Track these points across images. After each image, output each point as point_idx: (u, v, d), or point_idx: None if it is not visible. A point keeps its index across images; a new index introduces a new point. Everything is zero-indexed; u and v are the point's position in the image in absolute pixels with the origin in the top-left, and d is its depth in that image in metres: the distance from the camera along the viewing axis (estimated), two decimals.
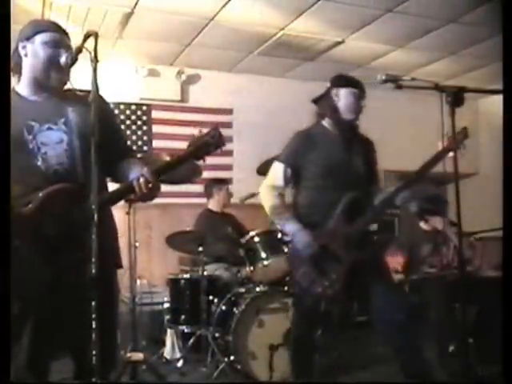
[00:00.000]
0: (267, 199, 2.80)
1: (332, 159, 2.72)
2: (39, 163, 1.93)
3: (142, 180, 1.89)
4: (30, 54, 1.99)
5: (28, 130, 1.95)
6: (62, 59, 1.93)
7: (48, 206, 1.86)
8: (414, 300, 4.14)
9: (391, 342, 2.69)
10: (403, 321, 2.65)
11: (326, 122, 2.82)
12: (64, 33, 2.04)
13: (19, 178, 1.87)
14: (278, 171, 2.80)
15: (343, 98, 2.76)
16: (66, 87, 2.05)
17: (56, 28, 2.03)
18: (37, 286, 1.85)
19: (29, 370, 1.89)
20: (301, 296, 2.79)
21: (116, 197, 1.98)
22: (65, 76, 2.00)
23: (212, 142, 1.93)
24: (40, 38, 1.98)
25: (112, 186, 2.08)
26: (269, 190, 2.80)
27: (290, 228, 2.72)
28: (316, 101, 2.90)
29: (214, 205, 4.69)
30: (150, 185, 1.90)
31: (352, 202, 2.66)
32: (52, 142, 1.96)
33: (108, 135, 1.88)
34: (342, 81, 2.81)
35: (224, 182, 4.75)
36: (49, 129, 1.97)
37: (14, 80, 2.04)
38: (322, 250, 2.64)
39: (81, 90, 2.03)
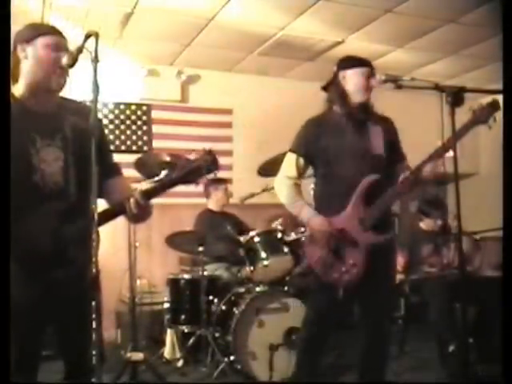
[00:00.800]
0: (281, 189, 2.76)
1: (345, 144, 2.63)
2: (37, 180, 1.91)
3: (132, 200, 1.91)
4: (31, 57, 1.97)
5: (32, 143, 1.92)
6: (64, 60, 1.93)
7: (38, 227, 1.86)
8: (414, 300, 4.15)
9: (368, 340, 2.67)
10: (385, 324, 2.65)
11: (336, 108, 2.73)
12: (64, 37, 2.03)
13: (19, 193, 1.84)
14: (290, 162, 2.74)
15: (351, 79, 2.67)
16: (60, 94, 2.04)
17: (57, 32, 2.03)
18: (27, 299, 1.86)
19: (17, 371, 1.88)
20: (316, 289, 2.70)
21: (106, 217, 1.94)
22: (65, 79, 2.00)
23: (205, 166, 1.96)
24: (42, 41, 1.97)
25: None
26: (283, 180, 2.76)
27: (306, 214, 2.66)
28: (325, 88, 2.83)
29: (213, 204, 4.70)
30: (141, 206, 1.92)
31: (371, 185, 2.58)
32: (50, 158, 1.94)
33: (99, 153, 1.83)
34: (347, 62, 2.73)
35: (221, 182, 4.74)
36: (48, 145, 1.95)
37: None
38: (338, 234, 2.57)
39: (73, 101, 2.06)
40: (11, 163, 1.78)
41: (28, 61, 1.97)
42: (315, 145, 2.68)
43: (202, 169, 1.96)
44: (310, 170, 2.82)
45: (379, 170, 2.61)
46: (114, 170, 2.21)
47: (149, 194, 1.99)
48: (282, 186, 2.76)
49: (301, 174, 2.74)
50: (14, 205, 1.78)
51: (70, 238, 1.88)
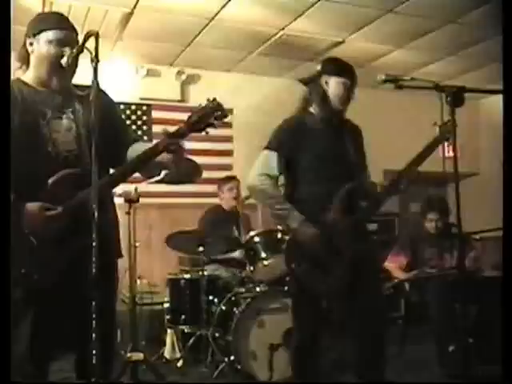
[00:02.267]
0: (262, 189, 2.56)
1: (324, 149, 2.57)
2: (50, 149, 1.96)
3: (167, 140, 1.93)
4: (35, 53, 2.00)
5: (42, 115, 1.98)
6: (64, 60, 1.93)
7: (57, 193, 1.89)
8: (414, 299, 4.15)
9: (361, 346, 2.60)
10: (378, 329, 2.57)
11: (313, 109, 2.68)
12: (71, 28, 2.03)
13: (31, 162, 1.91)
14: (271, 160, 2.58)
15: (333, 87, 2.61)
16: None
17: (62, 24, 2.02)
18: (47, 271, 1.87)
19: (30, 360, 1.91)
20: (301, 295, 2.61)
21: (143, 160, 1.98)
22: (67, 77, 2.02)
23: (214, 112, 2.01)
24: (45, 37, 1.98)
25: None
26: (263, 179, 2.55)
27: (294, 219, 2.51)
28: (304, 82, 2.76)
29: (223, 203, 4.69)
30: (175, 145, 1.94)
31: (349, 192, 2.52)
32: (63, 129, 2.01)
33: (113, 128, 1.96)
34: (333, 68, 2.65)
35: (227, 181, 4.74)
36: (59, 117, 2.02)
37: (20, 71, 2.07)
38: (324, 243, 2.47)
39: (84, 86, 2.03)
40: (22, 136, 1.87)
41: (33, 55, 2.01)
42: (296, 146, 2.58)
43: (211, 115, 2.01)
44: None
45: (355, 177, 2.57)
46: (133, 140, 2.22)
47: (175, 136, 2.01)
48: (262, 186, 2.56)
49: (280, 174, 2.60)
50: (28, 174, 1.85)
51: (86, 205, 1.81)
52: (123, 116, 5.50)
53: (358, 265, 2.49)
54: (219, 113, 2.02)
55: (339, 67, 2.67)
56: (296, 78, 6.44)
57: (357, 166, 2.62)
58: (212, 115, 2.01)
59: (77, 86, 2.06)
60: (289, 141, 2.61)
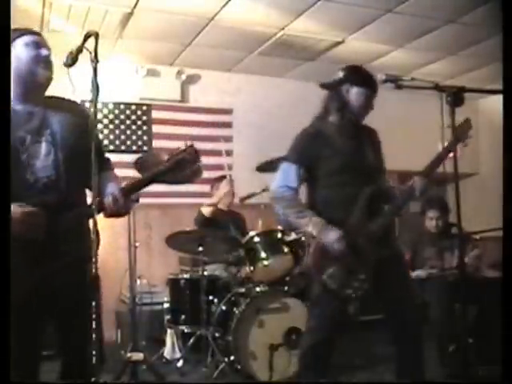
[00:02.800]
0: (283, 199, 2.62)
1: (344, 154, 2.60)
2: (28, 176, 1.93)
3: (110, 198, 1.96)
4: (13, 59, 1.98)
5: (21, 141, 1.94)
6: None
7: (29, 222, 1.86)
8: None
9: (399, 342, 2.61)
10: (415, 322, 2.58)
11: (333, 118, 2.69)
12: (41, 35, 2.07)
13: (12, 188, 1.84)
14: (290, 173, 2.62)
15: (354, 97, 2.62)
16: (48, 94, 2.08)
17: (34, 32, 2.06)
18: (23, 291, 1.87)
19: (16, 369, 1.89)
20: (325, 298, 2.59)
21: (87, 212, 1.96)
22: (51, 73, 2.02)
23: (189, 159, 2.00)
24: (21, 42, 1.99)
25: None
26: (283, 191, 2.61)
27: (316, 225, 2.52)
28: (326, 87, 2.74)
29: (226, 202, 4.68)
30: (120, 203, 1.96)
31: (371, 196, 2.55)
32: (42, 154, 1.97)
33: (88, 147, 1.87)
34: (356, 78, 2.65)
35: (219, 180, 4.75)
36: (38, 142, 1.98)
37: None
38: (349, 247, 2.49)
39: (60, 98, 2.09)
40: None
41: (12, 63, 1.98)
42: (316, 155, 2.61)
43: (186, 161, 1.99)
44: None
45: (375, 181, 2.60)
46: (106, 164, 2.23)
47: (129, 191, 2.02)
48: (281, 197, 2.62)
49: (300, 185, 2.64)
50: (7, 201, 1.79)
51: (63, 230, 1.91)
52: (123, 116, 5.51)
53: (385, 267, 2.51)
54: (195, 158, 2.03)
55: (362, 77, 2.66)
56: (296, 77, 6.49)
57: (376, 169, 2.65)
58: (188, 162, 2.03)
59: (50, 98, 2.07)
60: (306, 151, 2.63)
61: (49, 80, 2.03)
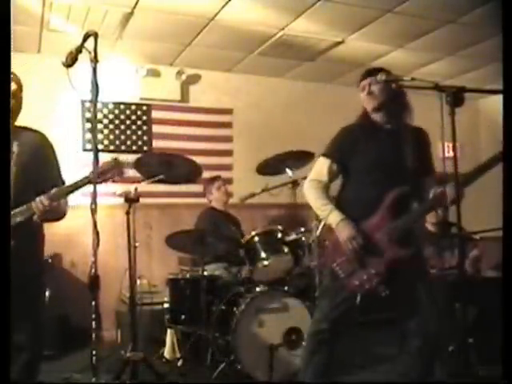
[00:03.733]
0: (311, 192, 2.74)
1: (379, 153, 2.62)
2: None
3: (37, 201, 2.26)
4: None
5: None
6: (63, 60, 1.95)
7: None
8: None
9: (417, 347, 2.60)
10: (434, 330, 2.57)
11: (372, 116, 2.72)
12: None
13: None
14: (323, 167, 2.73)
15: (361, 96, 2.72)
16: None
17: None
18: None
19: None
20: (332, 288, 2.70)
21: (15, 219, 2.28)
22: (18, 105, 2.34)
23: (110, 170, 2.31)
24: None
25: None
26: (313, 184, 2.74)
27: (334, 218, 2.63)
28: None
29: (215, 203, 4.73)
30: (46, 207, 2.26)
31: (399, 196, 2.57)
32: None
33: (43, 169, 2.37)
34: (361, 76, 2.74)
35: (212, 181, 4.77)
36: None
37: None
38: (364, 242, 2.56)
39: (26, 128, 2.44)
40: None
41: None
42: (350, 152, 2.69)
43: (107, 172, 2.31)
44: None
45: (407, 182, 2.60)
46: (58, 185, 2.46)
47: (55, 198, 2.31)
48: (311, 189, 2.74)
49: (331, 179, 2.74)
50: None
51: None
52: (123, 116, 5.50)
53: (403, 267, 2.54)
54: (116, 171, 2.36)
55: (364, 73, 2.73)
56: (296, 77, 6.48)
57: (412, 171, 2.63)
58: (110, 173, 2.34)
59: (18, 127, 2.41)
60: (342, 148, 2.72)
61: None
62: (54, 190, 2.31)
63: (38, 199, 2.26)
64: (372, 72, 2.70)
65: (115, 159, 2.35)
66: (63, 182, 2.52)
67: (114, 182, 2.39)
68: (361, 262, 2.57)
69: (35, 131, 2.56)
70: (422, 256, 2.75)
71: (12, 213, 2.24)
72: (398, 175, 2.60)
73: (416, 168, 2.64)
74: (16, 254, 2.07)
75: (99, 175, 2.24)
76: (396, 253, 2.56)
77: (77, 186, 2.32)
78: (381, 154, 2.63)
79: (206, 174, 4.46)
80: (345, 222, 2.59)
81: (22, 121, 2.49)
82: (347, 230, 2.57)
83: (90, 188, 2.08)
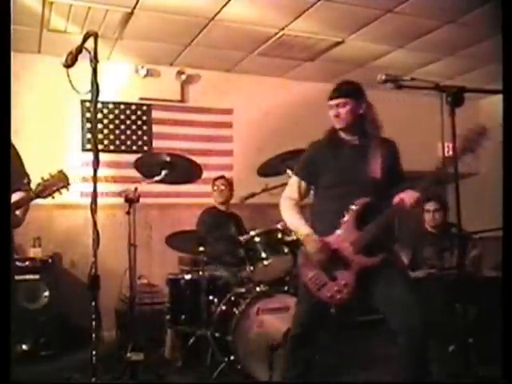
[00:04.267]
0: (284, 208, 2.87)
1: (345, 168, 2.72)
2: None
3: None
4: None
5: None
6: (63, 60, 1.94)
7: None
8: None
9: (405, 346, 2.59)
10: (418, 326, 2.56)
11: (342, 132, 2.79)
12: None
13: None
14: (293, 185, 2.88)
15: (329, 111, 2.76)
16: None
17: None
18: None
19: None
20: (306, 297, 2.81)
21: None
22: None
23: (55, 184, 2.42)
24: None
25: None
26: (286, 201, 2.88)
27: (302, 232, 2.76)
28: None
29: (215, 202, 4.75)
30: None
31: (363, 207, 2.64)
32: None
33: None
34: (330, 94, 2.78)
35: (216, 179, 4.80)
36: None
37: None
38: (332, 255, 2.66)
39: None
40: None
41: None
42: (316, 169, 2.80)
43: (52, 186, 2.42)
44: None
45: (374, 193, 2.65)
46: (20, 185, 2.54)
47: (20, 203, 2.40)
48: (284, 207, 2.88)
49: (302, 196, 2.86)
50: None
51: None
52: (123, 116, 5.50)
53: (371, 276, 2.62)
54: (61, 185, 2.46)
55: (332, 92, 2.76)
56: (296, 77, 6.48)
57: (381, 181, 2.68)
58: (55, 187, 2.44)
59: None
60: (309, 165, 2.85)
61: None
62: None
63: None
64: (340, 89, 2.75)
65: (60, 171, 2.44)
66: (28, 177, 2.61)
67: (60, 193, 2.49)
68: (330, 274, 2.68)
69: None
70: (395, 258, 2.79)
71: None
72: (364, 188, 2.67)
73: (384, 179, 2.70)
74: None
75: (44, 189, 2.37)
76: (364, 263, 2.64)
77: (19, 204, 2.40)
78: (347, 169, 2.72)
79: (206, 174, 4.47)
80: (311, 236, 2.70)
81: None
82: (314, 244, 2.68)
83: (90, 188, 2.08)
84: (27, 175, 2.65)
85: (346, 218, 2.66)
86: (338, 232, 2.68)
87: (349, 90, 2.74)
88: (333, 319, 3.03)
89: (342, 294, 2.64)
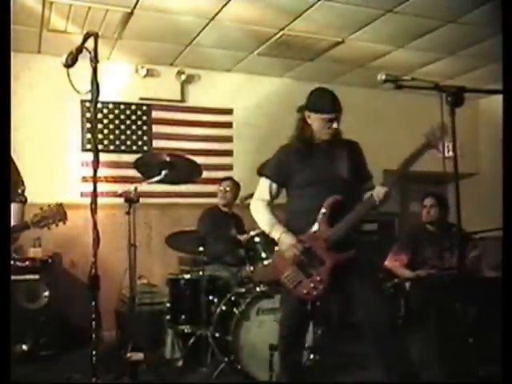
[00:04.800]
0: (256, 211, 2.94)
1: (314, 169, 2.81)
2: None
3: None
4: None
5: None
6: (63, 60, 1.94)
7: None
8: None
9: (375, 343, 2.71)
10: (386, 322, 2.68)
11: (305, 136, 2.87)
12: None
13: None
14: (264, 186, 2.93)
15: (314, 122, 2.82)
16: None
17: None
18: None
19: None
20: (287, 297, 2.91)
21: None
22: None
23: (52, 217, 2.47)
24: None
25: None
26: (257, 203, 2.94)
27: (276, 232, 2.83)
28: (297, 111, 2.97)
29: (220, 203, 4.74)
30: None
31: (335, 204, 2.73)
32: None
33: None
34: (313, 105, 2.84)
35: (223, 180, 4.79)
36: None
37: None
38: (305, 252, 2.73)
39: None
40: None
41: None
42: (286, 171, 2.88)
43: (48, 218, 2.47)
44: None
45: (343, 192, 2.74)
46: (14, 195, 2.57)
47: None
48: (256, 208, 2.94)
49: (273, 197, 2.92)
50: None
51: None
52: (123, 116, 5.50)
53: (343, 272, 2.71)
54: (58, 218, 2.49)
55: (320, 104, 2.83)
56: (296, 77, 6.49)
57: (350, 181, 2.80)
58: (52, 219, 2.48)
59: None
60: (280, 167, 2.92)
61: None
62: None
63: None
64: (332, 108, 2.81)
65: (59, 205, 2.48)
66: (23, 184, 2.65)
67: (56, 225, 2.53)
68: (305, 271, 2.75)
69: None
70: (362, 254, 2.82)
71: None
72: (334, 186, 2.76)
73: (352, 177, 2.81)
74: None
75: (40, 220, 2.41)
76: (336, 259, 2.72)
77: (15, 230, 2.45)
78: (317, 168, 2.80)
79: (206, 174, 4.47)
80: (285, 234, 2.78)
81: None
82: (287, 241, 2.76)
83: (90, 188, 2.08)
84: (22, 183, 2.67)
85: (318, 216, 2.74)
86: (312, 230, 2.76)
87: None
88: (329, 319, 3.06)
89: (318, 291, 2.72)
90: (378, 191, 2.69)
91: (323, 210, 2.74)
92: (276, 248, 2.92)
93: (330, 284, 2.71)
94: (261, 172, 3.07)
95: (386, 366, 2.69)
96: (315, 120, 2.81)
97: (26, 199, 2.75)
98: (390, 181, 2.73)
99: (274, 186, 2.92)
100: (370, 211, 2.77)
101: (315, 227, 2.76)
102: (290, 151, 2.89)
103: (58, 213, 2.47)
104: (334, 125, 2.77)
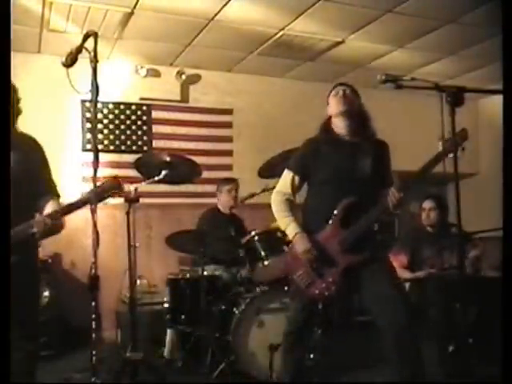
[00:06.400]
0: (274, 203, 2.88)
1: (337, 165, 2.74)
2: None
3: (39, 221, 2.19)
4: None
5: None
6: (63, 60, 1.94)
7: None
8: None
9: (392, 343, 2.63)
10: (405, 323, 2.61)
11: (336, 127, 2.81)
12: None
13: None
14: (286, 179, 2.87)
15: (334, 121, 2.79)
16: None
17: None
18: None
19: None
20: (297, 295, 2.87)
21: (17, 236, 2.19)
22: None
23: (109, 189, 2.32)
24: None
25: None
26: (277, 195, 2.89)
27: (291, 230, 2.79)
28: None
29: (220, 204, 4.71)
30: (47, 226, 2.20)
31: (349, 207, 2.69)
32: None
33: (34, 172, 2.29)
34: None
35: (226, 182, 4.75)
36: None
37: None
38: (319, 253, 2.70)
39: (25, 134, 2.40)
40: None
41: None
42: (310, 164, 2.81)
43: (104, 191, 2.30)
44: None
45: (361, 193, 2.69)
46: (50, 190, 2.43)
47: (55, 217, 2.26)
48: (275, 201, 2.89)
49: (294, 191, 2.87)
50: None
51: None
52: (123, 116, 5.50)
53: (357, 273, 2.67)
54: (116, 190, 2.37)
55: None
56: (296, 77, 6.48)
57: (371, 181, 2.73)
58: (109, 191, 2.34)
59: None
60: (304, 160, 2.85)
61: None
62: (54, 210, 2.29)
63: (40, 218, 2.20)
64: (343, 83, 2.83)
65: (115, 177, 2.38)
66: (54, 183, 2.51)
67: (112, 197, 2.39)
68: (318, 272, 2.72)
69: (25, 135, 2.48)
70: (380, 257, 2.80)
71: (14, 230, 2.15)
72: (352, 186, 2.71)
73: (373, 179, 2.73)
74: (16, 269, 2.03)
75: (98, 194, 2.24)
76: (350, 261, 2.69)
77: (77, 206, 2.29)
78: (338, 166, 2.74)
79: (205, 174, 4.47)
80: (300, 235, 2.74)
81: (21, 121, 2.49)
82: (302, 244, 2.72)
83: (90, 188, 2.08)
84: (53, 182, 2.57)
85: (333, 217, 2.71)
86: (327, 230, 2.73)
87: (350, 87, 2.82)
88: (330, 318, 3.04)
89: (330, 291, 2.70)
90: (393, 196, 2.59)
91: (337, 212, 2.70)
92: (286, 247, 2.88)
93: (342, 285, 2.69)
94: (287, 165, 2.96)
95: (401, 365, 2.62)
96: (336, 121, 2.78)
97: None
98: (401, 185, 2.63)
99: (297, 178, 2.85)
100: (385, 216, 2.74)
101: (329, 228, 2.73)
102: (316, 145, 2.83)
103: (115, 185, 2.37)
104: (347, 93, 2.74)
